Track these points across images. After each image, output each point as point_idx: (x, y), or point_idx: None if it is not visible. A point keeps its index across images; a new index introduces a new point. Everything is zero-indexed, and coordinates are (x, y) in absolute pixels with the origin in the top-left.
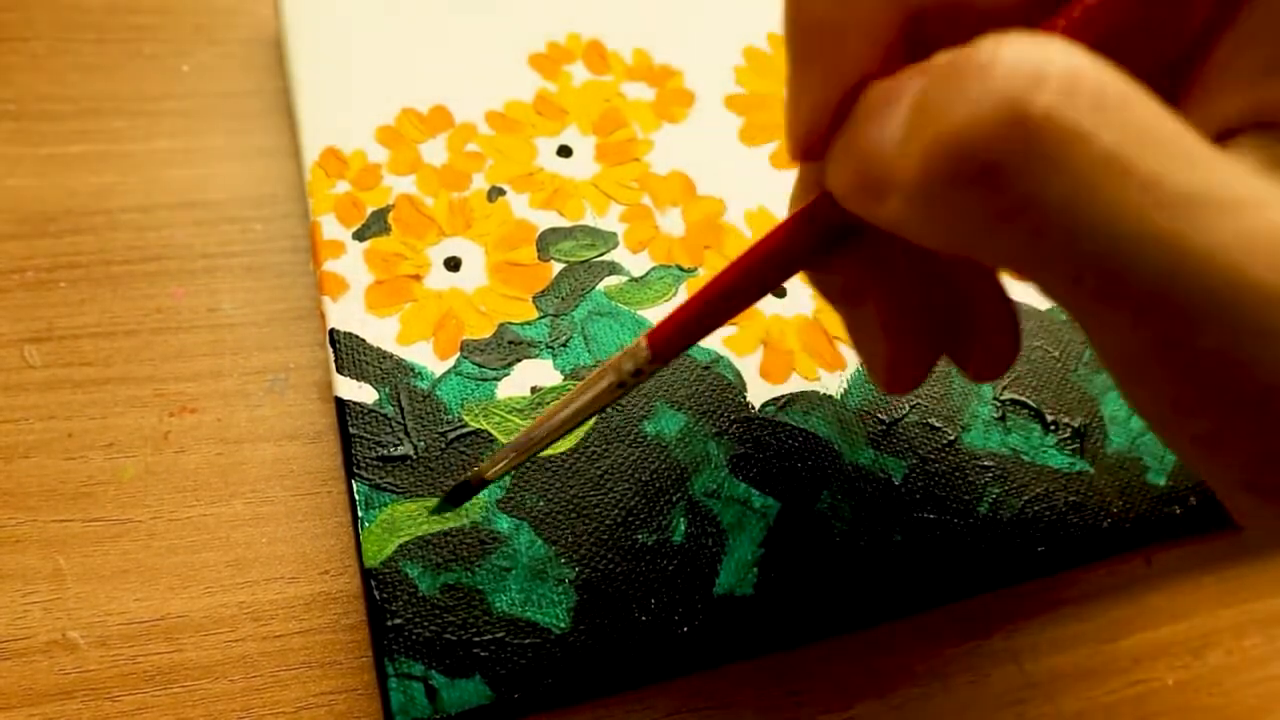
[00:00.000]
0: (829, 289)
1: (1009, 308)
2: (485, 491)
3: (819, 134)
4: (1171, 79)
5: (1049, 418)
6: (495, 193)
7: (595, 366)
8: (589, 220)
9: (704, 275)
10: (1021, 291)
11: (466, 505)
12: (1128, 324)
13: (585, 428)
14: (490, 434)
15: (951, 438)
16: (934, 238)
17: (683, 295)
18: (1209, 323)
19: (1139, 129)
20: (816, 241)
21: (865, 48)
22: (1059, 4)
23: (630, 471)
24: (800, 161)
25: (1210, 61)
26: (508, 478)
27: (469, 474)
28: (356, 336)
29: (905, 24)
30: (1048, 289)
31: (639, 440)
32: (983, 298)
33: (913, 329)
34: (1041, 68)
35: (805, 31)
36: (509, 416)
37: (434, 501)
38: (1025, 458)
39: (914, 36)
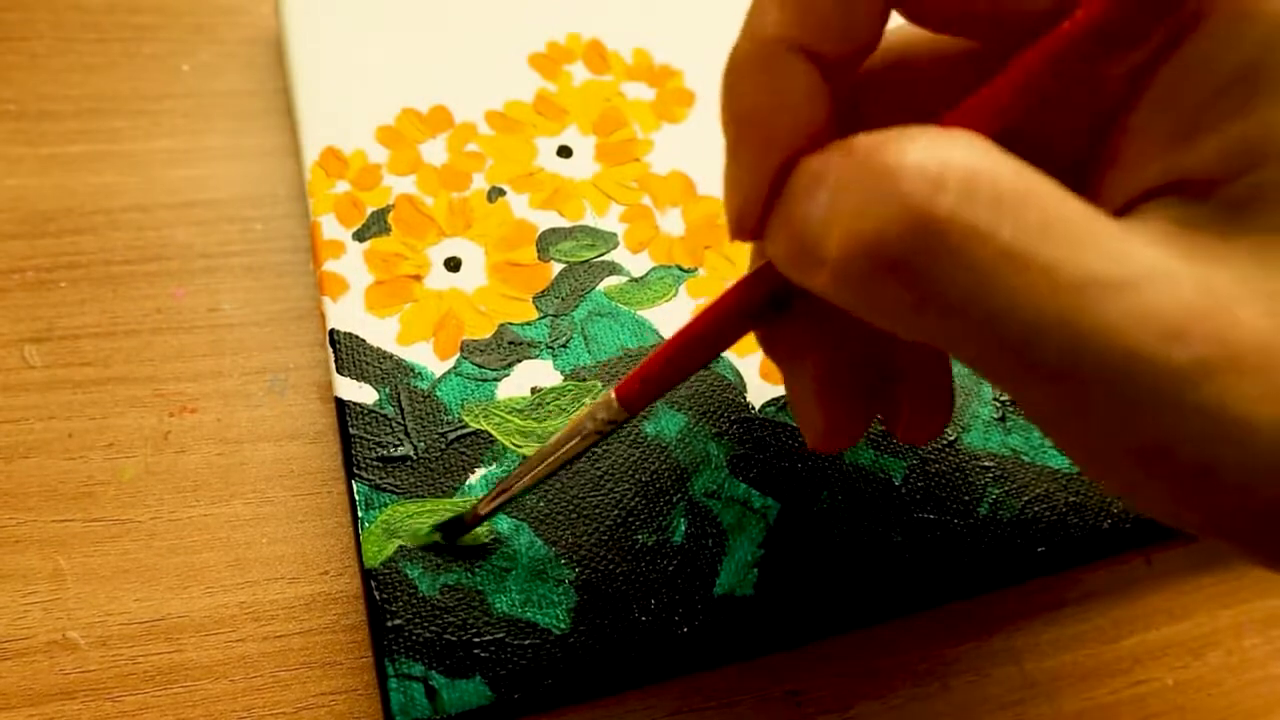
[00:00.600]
0: (772, 346)
1: (945, 374)
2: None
3: (755, 214)
4: (1091, 147)
5: None
6: (495, 193)
7: (595, 367)
8: (589, 220)
9: (704, 275)
10: None
11: (471, 503)
12: (1041, 396)
13: None
14: (490, 434)
15: (951, 438)
16: (860, 313)
17: (683, 295)
18: (1109, 395)
19: (1036, 220)
20: (765, 303)
21: (794, 131)
22: (980, 71)
23: (630, 472)
24: (738, 240)
25: (1125, 129)
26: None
27: (464, 511)
28: (356, 337)
29: (833, 103)
30: (969, 365)
31: (639, 441)
32: (919, 360)
33: (848, 388)
34: (942, 170)
35: (737, 120)
36: (509, 417)
37: (434, 502)
38: (1025, 458)
39: (850, 102)
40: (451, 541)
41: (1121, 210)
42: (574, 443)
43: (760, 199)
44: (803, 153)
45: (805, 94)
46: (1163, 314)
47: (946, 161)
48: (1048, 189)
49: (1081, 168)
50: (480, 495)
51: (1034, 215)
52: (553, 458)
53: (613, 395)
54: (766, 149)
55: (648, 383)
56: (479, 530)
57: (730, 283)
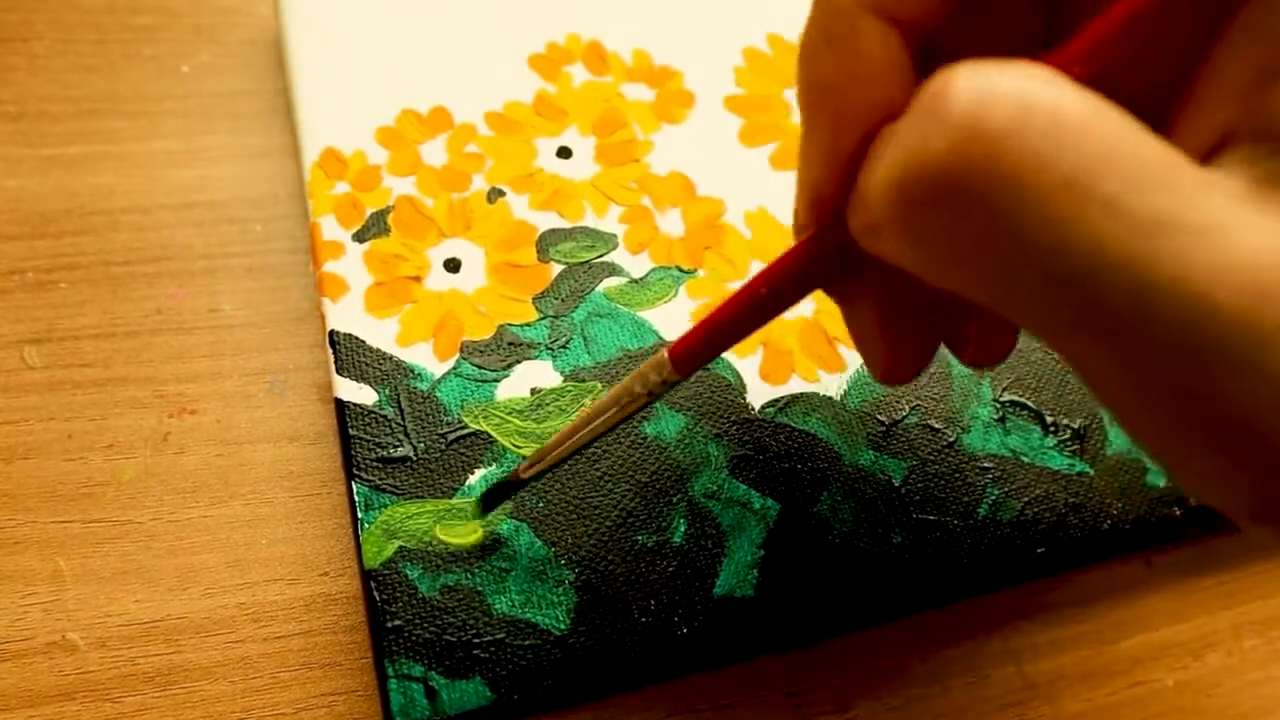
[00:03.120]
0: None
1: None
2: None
3: (831, 193)
4: (1171, 92)
5: (1049, 419)
6: (495, 194)
7: (594, 368)
8: (589, 221)
9: (704, 276)
10: None
11: (471, 503)
12: (1103, 354)
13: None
14: (490, 435)
15: (951, 439)
16: (923, 270)
17: (683, 296)
18: (1179, 352)
19: (1100, 152)
20: (832, 265)
21: (874, 102)
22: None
23: (630, 473)
24: (811, 227)
25: (1203, 73)
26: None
27: (506, 474)
28: (356, 338)
29: (916, 69)
30: (1032, 326)
31: (639, 441)
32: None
33: (909, 321)
34: (991, 93)
35: (814, 92)
36: (509, 418)
37: (434, 503)
38: (1025, 459)
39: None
40: (491, 508)
41: (1199, 159)
42: (619, 408)
43: (838, 178)
44: (885, 124)
45: (885, 62)
46: (1250, 268)
47: (996, 84)
48: (1119, 122)
49: (1161, 115)
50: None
51: (1099, 144)
52: (599, 420)
53: (665, 355)
54: (846, 123)
55: (704, 343)
56: (478, 530)
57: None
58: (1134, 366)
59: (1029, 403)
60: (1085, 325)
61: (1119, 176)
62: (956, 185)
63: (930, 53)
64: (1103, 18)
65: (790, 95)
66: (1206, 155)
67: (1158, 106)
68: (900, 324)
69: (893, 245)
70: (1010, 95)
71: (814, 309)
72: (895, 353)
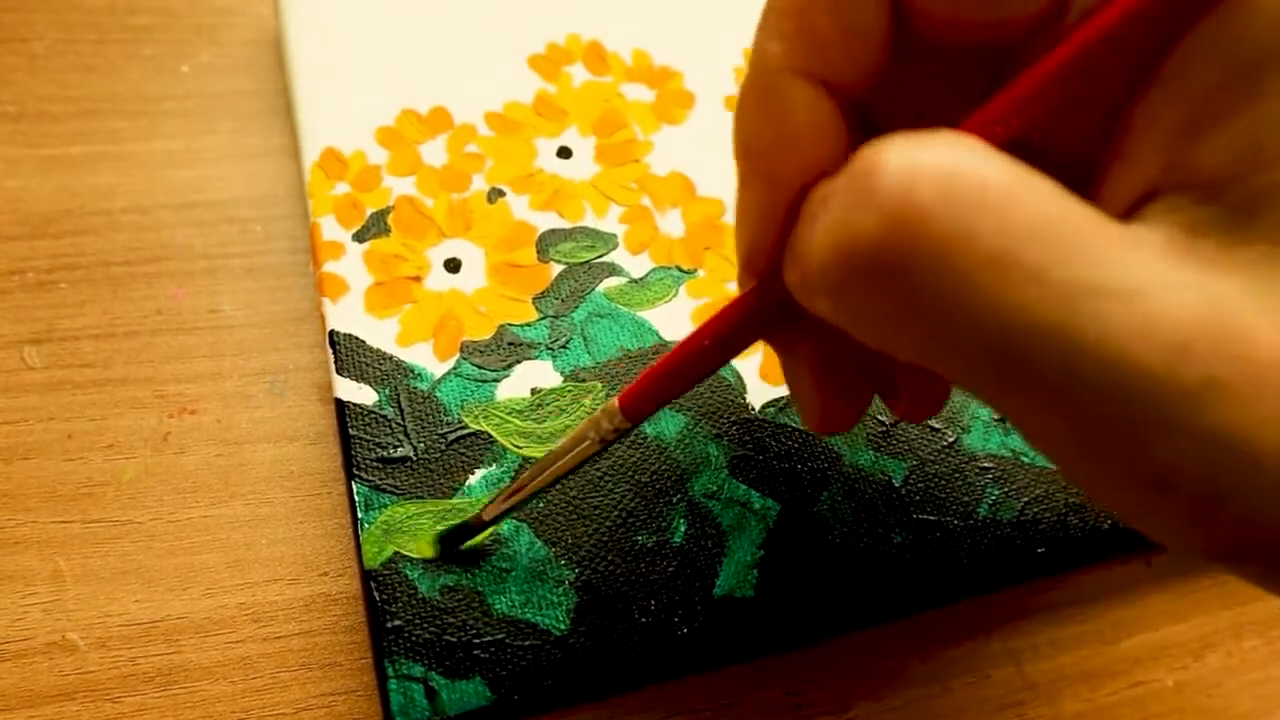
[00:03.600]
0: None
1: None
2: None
3: (765, 251)
4: (1098, 145)
5: None
6: (495, 194)
7: (595, 368)
8: (589, 222)
9: (704, 277)
10: None
11: (471, 504)
12: (1038, 415)
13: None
14: (490, 435)
15: (951, 439)
16: (857, 333)
17: (683, 296)
18: (1106, 412)
19: (1024, 223)
20: (771, 316)
21: (804, 163)
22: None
23: (630, 473)
24: (750, 277)
25: (1130, 126)
26: (508, 469)
27: (469, 516)
28: (356, 338)
29: (849, 130)
30: (967, 388)
31: (639, 441)
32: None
33: (845, 372)
34: (917, 169)
35: (746, 154)
36: (509, 418)
37: (434, 503)
38: (1025, 459)
39: (868, 124)
40: (451, 551)
41: (1126, 213)
42: (578, 450)
43: (772, 235)
44: (817, 182)
45: (814, 126)
46: (1169, 327)
47: (923, 161)
48: (1041, 189)
49: (1089, 170)
50: (483, 501)
51: (1021, 215)
52: (556, 465)
53: (615, 404)
54: (778, 184)
55: (650, 394)
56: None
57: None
58: (1068, 426)
59: None
60: (1018, 389)
61: (1042, 246)
62: (885, 263)
63: (867, 110)
64: (1024, 76)
65: None
66: (1135, 206)
67: (1087, 160)
68: (836, 375)
69: (827, 307)
70: (936, 170)
71: None
72: (830, 403)
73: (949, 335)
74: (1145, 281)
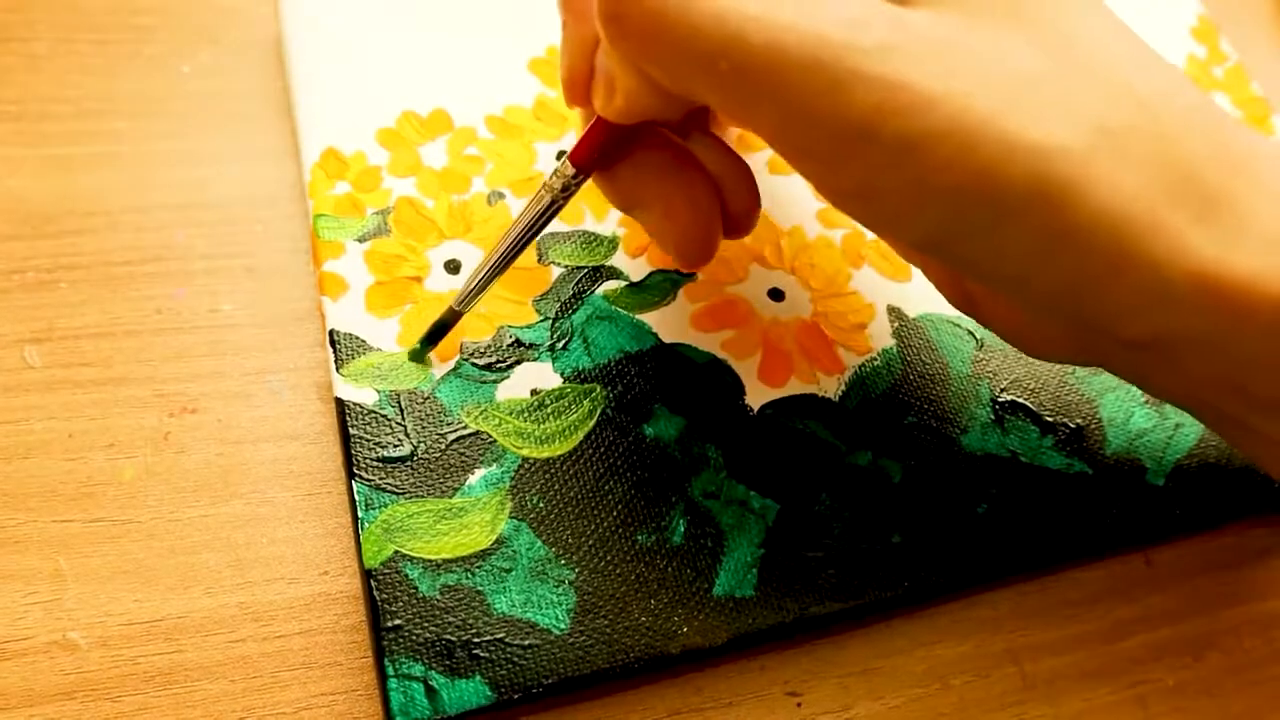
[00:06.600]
0: (621, 199)
1: (741, 166)
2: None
3: (583, 76)
4: None
5: (1047, 419)
6: (495, 196)
7: (594, 370)
8: (588, 225)
9: (702, 280)
10: None
11: (471, 503)
12: (765, 107)
13: (585, 429)
14: (490, 435)
15: (950, 439)
16: (658, 77)
17: (681, 299)
18: (812, 79)
19: None
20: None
21: None
22: None
23: (630, 473)
24: (572, 105)
25: None
26: (508, 469)
27: (442, 312)
28: (356, 337)
29: None
30: (718, 106)
31: (639, 441)
32: (724, 170)
33: (686, 212)
34: None
35: (565, 4)
36: (508, 418)
37: (434, 502)
38: (1023, 459)
39: None
40: (432, 346)
41: None
42: (534, 212)
43: (585, 64)
44: None
45: None
46: (849, 9)
47: None
48: None
49: None
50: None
51: None
52: (515, 235)
53: (568, 161)
54: (585, 19)
55: (597, 144)
56: (475, 528)
57: (734, 291)
58: (778, 98)
59: (1027, 403)
60: (743, 83)
61: None
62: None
63: None
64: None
65: None
66: None
67: None
68: (679, 215)
69: (630, 88)
70: None
71: (812, 311)
72: (684, 238)
73: (688, 55)
74: None
